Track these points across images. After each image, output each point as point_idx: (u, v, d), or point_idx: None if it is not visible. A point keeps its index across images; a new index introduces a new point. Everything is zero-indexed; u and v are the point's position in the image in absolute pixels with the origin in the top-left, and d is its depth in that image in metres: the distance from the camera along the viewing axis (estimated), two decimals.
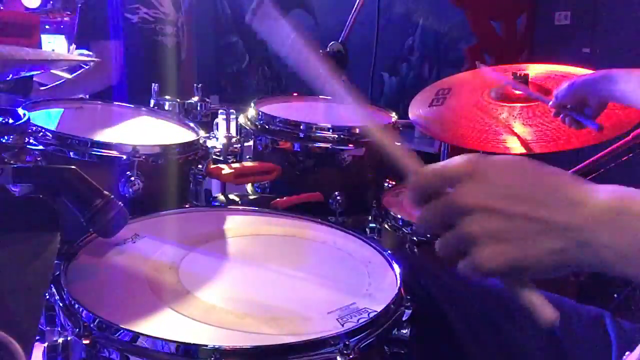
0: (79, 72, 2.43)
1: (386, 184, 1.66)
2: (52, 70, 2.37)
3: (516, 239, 0.58)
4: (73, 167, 0.90)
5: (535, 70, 1.69)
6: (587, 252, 0.57)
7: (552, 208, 0.57)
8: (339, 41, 2.02)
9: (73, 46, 2.56)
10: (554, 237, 0.57)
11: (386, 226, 1.38)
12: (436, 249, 0.63)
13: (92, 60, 2.25)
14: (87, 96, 2.48)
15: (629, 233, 0.55)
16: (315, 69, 0.80)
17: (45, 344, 0.79)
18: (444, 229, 0.61)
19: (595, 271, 0.58)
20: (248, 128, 1.59)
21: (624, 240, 0.55)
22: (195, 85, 1.69)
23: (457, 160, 0.61)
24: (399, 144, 0.72)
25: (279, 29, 0.79)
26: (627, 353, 0.83)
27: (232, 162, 1.50)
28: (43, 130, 1.16)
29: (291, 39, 0.78)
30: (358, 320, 0.81)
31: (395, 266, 0.98)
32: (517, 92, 1.58)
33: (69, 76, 2.46)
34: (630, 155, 1.77)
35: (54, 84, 2.42)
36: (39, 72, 2.25)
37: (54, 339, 0.81)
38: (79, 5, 2.51)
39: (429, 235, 1.28)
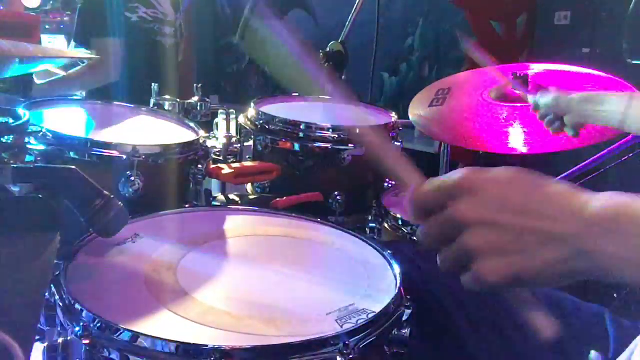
0: (79, 67, 2.43)
1: (386, 184, 1.66)
2: (48, 69, 2.36)
3: (516, 251, 0.58)
4: (73, 167, 0.90)
5: (535, 70, 1.69)
6: (586, 260, 0.57)
7: (550, 218, 0.58)
8: (339, 41, 2.02)
9: (72, 44, 2.56)
10: (554, 247, 0.57)
11: (386, 226, 1.38)
12: (438, 264, 0.64)
13: (91, 58, 2.25)
14: (84, 94, 2.48)
15: (626, 239, 0.55)
16: (311, 69, 0.80)
17: (45, 344, 0.79)
18: (444, 244, 0.62)
19: (596, 279, 0.58)
20: (248, 128, 1.59)
21: (622, 246, 0.55)
22: (195, 85, 1.69)
23: (455, 175, 0.62)
24: (398, 153, 0.73)
25: (275, 31, 0.79)
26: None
27: (232, 162, 1.50)
28: (43, 130, 1.16)
29: (287, 40, 0.78)
30: (357, 322, 0.80)
31: (395, 266, 0.98)
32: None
33: (65, 74, 2.46)
34: (631, 155, 1.77)
35: (53, 78, 2.42)
36: (39, 69, 2.25)
37: (54, 339, 0.81)
38: (79, 3, 2.51)
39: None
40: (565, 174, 1.94)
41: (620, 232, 0.55)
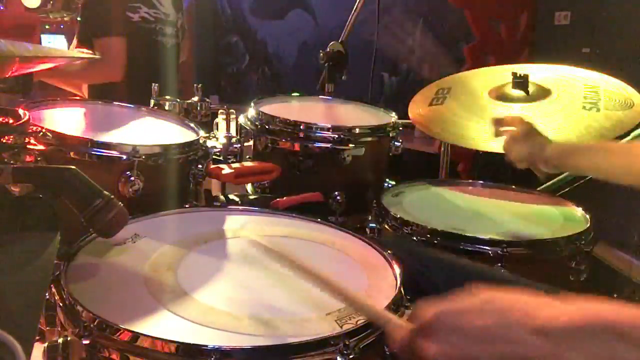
0: (84, 61, 2.42)
1: (386, 184, 1.66)
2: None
3: None
4: (73, 167, 0.90)
5: (535, 70, 1.69)
6: None
7: (519, 343, 0.60)
8: (339, 41, 2.02)
9: (74, 43, 2.56)
10: None
11: (386, 226, 1.38)
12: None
13: (93, 57, 2.24)
14: (87, 94, 2.48)
15: (593, 351, 0.57)
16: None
17: (45, 344, 0.79)
18: None
19: None
20: (248, 128, 1.59)
21: (590, 357, 0.58)
22: (195, 85, 1.69)
23: (425, 313, 0.67)
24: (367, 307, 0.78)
25: None
26: None
27: (232, 162, 1.50)
28: (43, 130, 1.16)
29: None
30: (357, 322, 0.80)
31: (395, 266, 0.98)
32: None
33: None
34: None
35: (56, 66, 2.40)
36: (39, 69, 2.24)
37: (54, 338, 0.81)
38: (80, 3, 2.51)
39: (428, 235, 1.28)
40: (564, 174, 1.94)
41: (588, 344, 0.58)
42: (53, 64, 1.56)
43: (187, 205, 1.27)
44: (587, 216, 1.41)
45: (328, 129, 1.50)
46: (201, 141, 1.36)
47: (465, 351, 0.62)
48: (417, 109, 1.74)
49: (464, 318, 0.64)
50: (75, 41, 2.54)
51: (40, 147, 1.14)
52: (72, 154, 1.16)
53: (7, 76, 1.11)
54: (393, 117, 1.70)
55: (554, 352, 0.59)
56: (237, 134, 1.63)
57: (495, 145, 1.50)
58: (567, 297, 0.63)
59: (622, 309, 0.59)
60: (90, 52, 2.43)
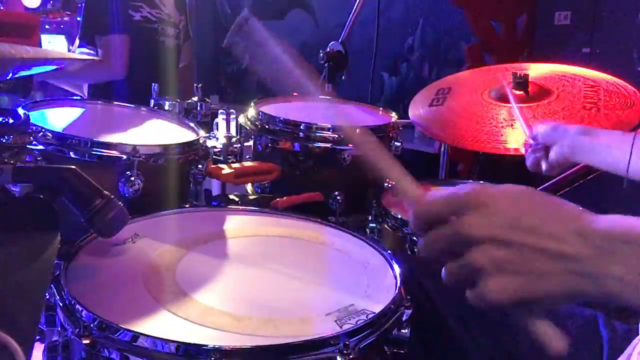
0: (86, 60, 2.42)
1: (386, 184, 1.66)
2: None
3: (524, 271, 0.58)
4: (73, 167, 0.90)
5: (535, 70, 1.69)
6: (594, 283, 0.56)
7: (559, 239, 0.57)
8: (339, 41, 2.02)
9: (76, 43, 2.56)
10: (561, 269, 0.57)
11: (386, 226, 1.38)
12: (442, 277, 0.63)
13: (93, 59, 2.24)
14: (86, 95, 2.48)
15: (632, 262, 0.55)
16: (300, 82, 0.80)
17: (45, 344, 0.79)
18: (450, 258, 0.61)
19: (601, 302, 0.58)
20: (248, 128, 1.59)
21: (628, 269, 0.55)
22: (195, 85, 1.69)
23: (463, 189, 0.62)
24: (392, 158, 0.72)
25: (264, 44, 0.79)
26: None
27: (232, 162, 1.50)
28: (43, 130, 1.16)
29: (276, 53, 0.78)
30: (356, 322, 0.80)
31: (395, 266, 0.98)
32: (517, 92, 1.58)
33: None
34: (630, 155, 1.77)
35: (57, 67, 2.41)
36: (39, 71, 2.25)
37: (54, 339, 0.81)
38: (82, 2, 2.51)
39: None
40: (564, 174, 1.94)
41: (625, 256, 0.55)
42: (54, 66, 1.56)
43: (187, 205, 1.27)
44: None
45: (328, 129, 1.50)
46: (201, 141, 1.36)
47: (501, 234, 0.58)
48: (417, 109, 1.74)
49: (509, 201, 0.59)
50: (77, 41, 2.54)
51: (40, 147, 1.14)
52: (72, 154, 1.16)
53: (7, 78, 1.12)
54: (393, 117, 1.70)
55: (595, 257, 0.56)
56: (237, 134, 1.63)
57: (494, 145, 1.50)
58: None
59: None
60: (92, 50, 2.44)
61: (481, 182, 1.66)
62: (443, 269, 0.63)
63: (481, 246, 0.59)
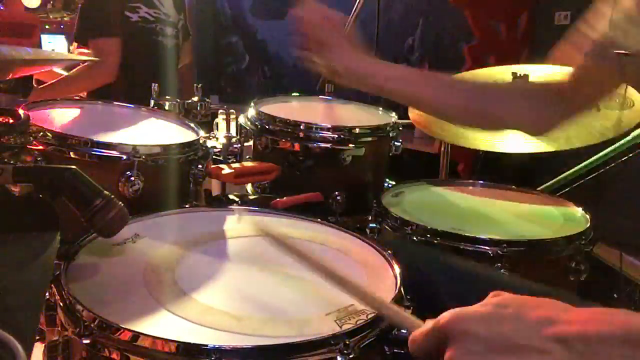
0: (78, 67, 2.43)
1: (386, 184, 1.66)
2: (52, 68, 2.37)
3: None
4: (73, 167, 0.90)
5: (535, 70, 1.69)
6: None
7: (540, 351, 0.57)
8: None
9: (74, 45, 2.56)
10: None
11: (386, 226, 1.38)
12: None
13: (92, 60, 2.25)
14: (86, 94, 2.49)
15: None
16: None
17: (45, 344, 0.79)
18: None
19: None
20: (248, 128, 1.59)
21: None
22: (195, 85, 1.69)
23: (443, 320, 0.63)
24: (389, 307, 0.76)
25: None
26: None
27: (232, 162, 1.50)
28: (43, 130, 1.16)
29: None
30: (356, 322, 0.80)
31: (395, 266, 0.98)
32: None
33: (67, 73, 2.46)
34: (630, 155, 1.77)
35: (53, 81, 2.42)
36: (38, 71, 2.25)
37: (54, 338, 0.82)
38: (80, 3, 2.51)
39: (428, 235, 1.28)
40: (565, 174, 1.95)
41: (607, 356, 0.55)
42: (52, 67, 1.57)
43: (187, 205, 1.27)
44: (587, 216, 1.41)
45: (328, 129, 1.50)
46: (201, 141, 1.36)
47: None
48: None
49: (481, 324, 0.61)
50: (75, 43, 2.55)
51: (40, 147, 1.14)
52: (72, 154, 1.16)
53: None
54: (393, 117, 1.70)
55: None
56: (237, 134, 1.63)
57: (495, 145, 1.50)
58: (583, 305, 0.60)
59: None
60: (89, 52, 2.44)
61: (481, 182, 1.66)
62: None
63: None
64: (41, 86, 2.42)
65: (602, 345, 0.55)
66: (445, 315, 0.64)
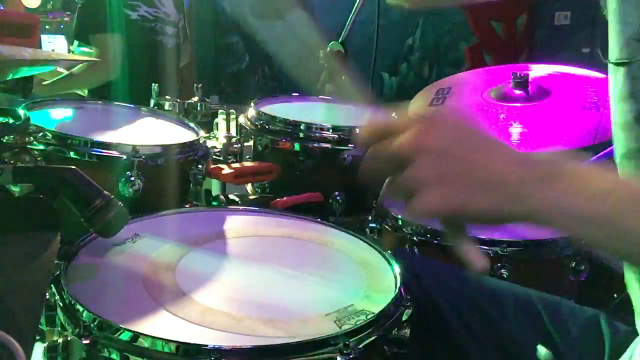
0: (80, 65, 2.43)
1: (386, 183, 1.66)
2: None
3: (462, 185, 0.61)
4: (73, 167, 0.90)
5: (535, 70, 1.69)
6: (522, 205, 0.61)
7: (499, 160, 0.62)
8: (339, 41, 2.02)
9: (75, 44, 2.56)
10: (497, 188, 0.61)
11: (386, 226, 1.38)
12: (384, 189, 0.67)
13: (92, 61, 2.25)
14: (86, 94, 2.49)
15: (557, 194, 0.59)
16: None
17: (45, 344, 0.79)
18: (395, 171, 0.64)
19: (530, 224, 0.63)
20: (248, 128, 1.59)
21: (554, 201, 0.59)
22: (195, 85, 1.69)
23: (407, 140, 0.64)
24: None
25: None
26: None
27: (232, 162, 1.50)
28: (43, 130, 1.16)
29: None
30: (356, 323, 0.80)
31: (395, 266, 0.98)
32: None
33: (67, 72, 2.46)
34: None
35: (55, 79, 2.42)
36: (39, 72, 2.25)
37: (54, 338, 0.81)
38: (79, 3, 2.51)
39: (428, 235, 1.28)
40: None
41: (553, 187, 0.59)
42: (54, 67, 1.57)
43: (187, 205, 1.27)
44: None
45: (328, 129, 1.50)
46: (201, 141, 1.36)
47: (450, 149, 0.62)
48: (417, 108, 1.74)
49: (456, 122, 0.65)
50: (75, 42, 2.55)
51: (40, 147, 1.14)
52: (72, 154, 1.16)
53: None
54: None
55: (530, 182, 0.60)
56: (237, 134, 1.63)
57: None
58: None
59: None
60: (90, 50, 2.44)
61: None
62: (386, 182, 0.66)
63: (425, 158, 0.62)
64: (44, 83, 2.42)
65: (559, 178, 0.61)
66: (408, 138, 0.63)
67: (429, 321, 0.96)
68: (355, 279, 0.96)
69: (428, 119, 0.65)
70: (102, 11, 2.37)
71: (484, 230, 1.24)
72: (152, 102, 1.63)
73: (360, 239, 1.11)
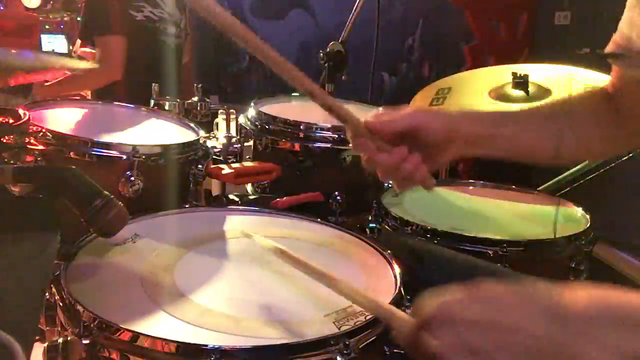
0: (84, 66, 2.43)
1: (386, 184, 1.66)
2: None
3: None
4: (73, 167, 0.90)
5: (535, 70, 1.69)
6: None
7: (528, 331, 0.56)
8: (339, 41, 2.02)
9: (78, 43, 2.56)
10: (533, 348, 0.56)
11: (386, 226, 1.38)
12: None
13: (93, 66, 2.24)
14: (89, 95, 2.49)
15: (607, 343, 0.54)
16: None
17: (45, 344, 0.79)
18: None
19: None
20: (248, 128, 1.59)
21: (603, 350, 0.54)
22: (195, 85, 1.69)
23: (426, 307, 0.62)
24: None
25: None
26: None
27: (232, 162, 1.50)
28: (43, 130, 1.16)
29: None
30: (354, 323, 0.80)
31: (395, 266, 0.98)
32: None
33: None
34: (630, 154, 1.77)
35: (59, 79, 2.42)
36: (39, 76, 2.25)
37: (54, 338, 0.81)
38: (81, 2, 2.51)
39: (428, 235, 1.28)
40: (564, 174, 1.94)
41: (601, 335, 0.54)
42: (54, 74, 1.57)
43: (187, 205, 1.27)
44: (587, 216, 1.41)
45: (328, 129, 1.50)
46: (201, 141, 1.36)
47: (470, 343, 0.57)
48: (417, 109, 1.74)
49: (466, 308, 0.59)
50: (79, 41, 2.54)
51: (40, 147, 1.14)
52: (72, 154, 1.16)
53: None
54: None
55: (569, 344, 0.53)
56: (237, 134, 1.63)
57: None
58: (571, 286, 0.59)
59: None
60: (93, 50, 2.44)
61: (481, 182, 1.66)
62: None
63: (453, 329, 0.59)
64: (47, 83, 2.41)
65: (597, 326, 0.54)
66: (429, 304, 0.62)
67: None
68: (355, 279, 0.96)
69: (440, 317, 0.61)
70: (106, 12, 2.37)
71: None
72: (152, 102, 1.63)
73: (360, 239, 1.11)
